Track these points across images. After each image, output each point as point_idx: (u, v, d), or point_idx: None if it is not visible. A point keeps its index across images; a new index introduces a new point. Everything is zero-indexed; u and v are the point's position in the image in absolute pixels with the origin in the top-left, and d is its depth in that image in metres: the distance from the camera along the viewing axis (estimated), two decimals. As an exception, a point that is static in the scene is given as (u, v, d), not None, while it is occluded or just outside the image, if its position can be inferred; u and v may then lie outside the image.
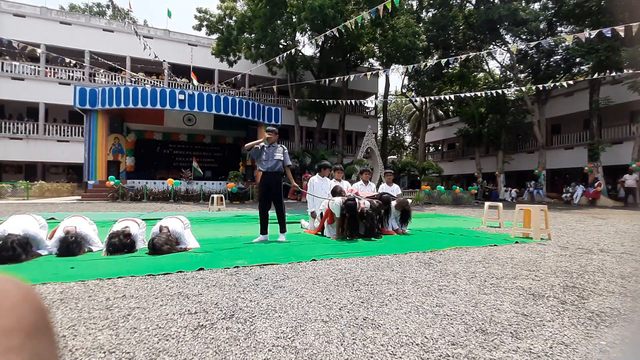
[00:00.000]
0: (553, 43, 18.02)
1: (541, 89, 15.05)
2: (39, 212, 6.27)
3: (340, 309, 2.20)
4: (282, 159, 4.75)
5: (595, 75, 14.10)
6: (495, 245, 4.75)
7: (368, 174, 6.50)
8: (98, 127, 15.08)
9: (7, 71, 19.05)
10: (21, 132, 19.21)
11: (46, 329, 0.29)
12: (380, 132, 30.03)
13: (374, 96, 29.95)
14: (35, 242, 3.64)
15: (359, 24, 12.20)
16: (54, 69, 20.20)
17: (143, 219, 4.69)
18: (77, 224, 3.95)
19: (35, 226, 3.75)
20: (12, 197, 15.37)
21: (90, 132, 15.06)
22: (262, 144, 4.74)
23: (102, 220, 6.19)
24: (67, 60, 12.44)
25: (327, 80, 13.44)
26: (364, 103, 28.28)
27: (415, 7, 22.23)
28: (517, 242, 4.96)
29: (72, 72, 20.42)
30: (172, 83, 21.80)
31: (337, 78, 12.86)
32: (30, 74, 19.46)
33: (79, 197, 15.13)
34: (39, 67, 19.49)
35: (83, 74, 20.62)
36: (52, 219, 6.48)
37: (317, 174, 6.11)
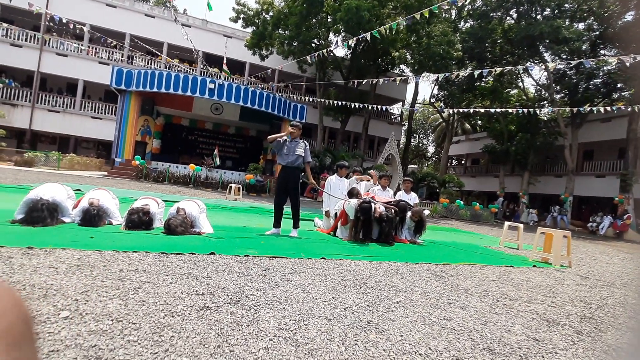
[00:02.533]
0: (594, 65, 17.24)
1: (574, 111, 14.42)
2: (67, 183, 6.56)
3: (345, 309, 2.18)
4: (302, 154, 4.75)
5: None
6: (511, 266, 4.59)
7: (387, 180, 6.42)
8: (130, 108, 15.62)
9: (52, 47, 20.03)
10: (59, 106, 20.17)
11: (31, 338, 0.29)
12: (403, 140, 29.66)
13: (401, 103, 29.60)
14: (61, 209, 3.81)
15: (394, 30, 12.09)
16: (96, 49, 21.10)
17: (163, 200, 4.82)
18: (101, 197, 4.11)
19: (64, 195, 3.93)
20: (44, 166, 16.17)
21: (123, 112, 15.62)
22: (285, 137, 4.76)
23: (124, 197, 6.40)
24: (109, 41, 12.95)
25: (355, 82, 13.37)
26: (390, 109, 27.97)
27: (453, 17, 21.80)
28: (535, 266, 4.77)
29: (112, 52, 21.26)
30: (204, 72, 22.31)
31: (365, 81, 12.79)
32: (74, 51, 20.39)
33: (105, 173, 15.73)
34: (82, 45, 20.41)
35: (122, 56, 21.43)
36: (78, 190, 6.76)
37: (335, 173, 6.09)
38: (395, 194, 7.10)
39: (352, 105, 15.88)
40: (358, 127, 24.67)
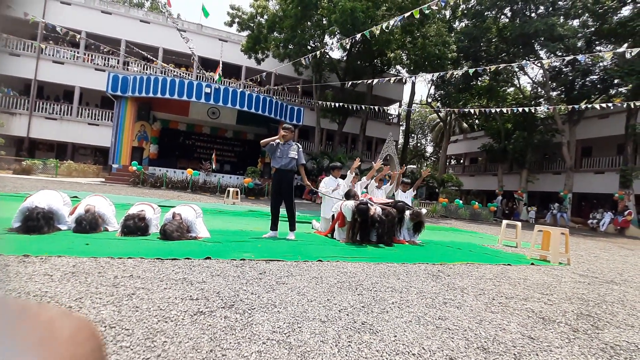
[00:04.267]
0: (590, 61, 17.29)
1: (570, 109, 14.43)
2: (65, 190, 6.55)
3: (339, 311, 2.18)
4: (296, 157, 4.75)
5: (637, 103, 13.31)
6: (509, 264, 4.59)
7: (381, 182, 6.43)
8: (127, 113, 15.63)
9: (49, 55, 20.07)
10: (56, 113, 20.18)
11: None
12: (401, 140, 29.69)
13: (398, 104, 29.67)
14: (57, 216, 3.81)
15: (389, 30, 12.11)
16: (92, 55, 21.14)
17: (159, 205, 4.81)
18: (97, 203, 4.10)
19: (59, 202, 3.92)
20: (42, 174, 16.15)
21: (119, 118, 15.63)
22: (277, 140, 4.76)
23: (121, 203, 6.40)
24: (103, 47, 12.98)
25: (351, 83, 13.42)
26: (387, 110, 28.02)
27: (448, 17, 21.86)
28: (532, 264, 4.77)
29: (108, 59, 21.30)
30: (200, 76, 22.35)
31: (361, 82, 12.81)
32: (70, 58, 20.43)
33: (103, 179, 15.72)
34: (78, 52, 20.45)
35: (118, 62, 21.46)
36: (75, 197, 6.75)
37: (329, 175, 6.10)
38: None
39: (349, 107, 15.90)
40: (355, 129, 24.70)
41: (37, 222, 3.46)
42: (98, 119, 20.83)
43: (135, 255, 3.03)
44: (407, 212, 5.67)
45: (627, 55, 8.15)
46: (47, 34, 20.62)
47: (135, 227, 3.84)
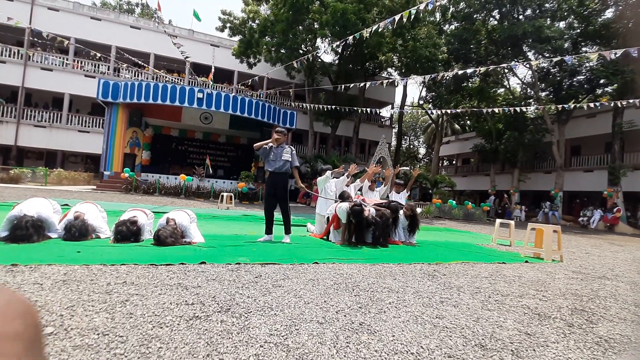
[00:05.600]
0: (577, 62, 17.65)
1: (560, 109, 14.69)
2: (55, 198, 6.42)
3: (337, 312, 2.17)
4: (289, 159, 4.74)
5: (623, 102, 13.59)
6: (503, 262, 4.62)
7: (374, 183, 6.47)
8: (118, 120, 15.47)
9: (37, 61, 19.81)
10: (45, 121, 19.88)
11: (40, 345, 0.30)
12: (394, 142, 29.86)
13: (390, 106, 29.86)
14: (47, 224, 3.73)
15: (379, 32, 12.22)
16: (81, 62, 20.92)
17: (152, 211, 4.75)
18: (87, 210, 4.04)
19: (49, 210, 3.85)
20: (31, 182, 15.87)
21: (110, 124, 15.46)
22: (271, 144, 4.75)
23: (113, 210, 6.31)
24: (92, 53, 12.87)
25: (343, 87, 13.49)
26: (380, 112, 28.22)
27: (438, 19, 22.15)
28: (526, 262, 4.82)
29: (98, 65, 21.10)
30: (192, 81, 22.25)
31: (353, 85, 12.87)
32: (59, 65, 20.18)
33: (94, 187, 15.50)
34: (67, 59, 20.21)
35: (108, 68, 21.27)
36: (66, 205, 6.64)
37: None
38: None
39: (342, 110, 15.94)
40: (349, 132, 24.78)
41: (26, 231, 3.38)
42: (88, 126, 20.57)
43: (129, 262, 2.98)
44: (402, 211, 5.69)
45: (612, 56, 8.31)
46: (35, 41, 20.37)
47: (128, 231, 3.78)
